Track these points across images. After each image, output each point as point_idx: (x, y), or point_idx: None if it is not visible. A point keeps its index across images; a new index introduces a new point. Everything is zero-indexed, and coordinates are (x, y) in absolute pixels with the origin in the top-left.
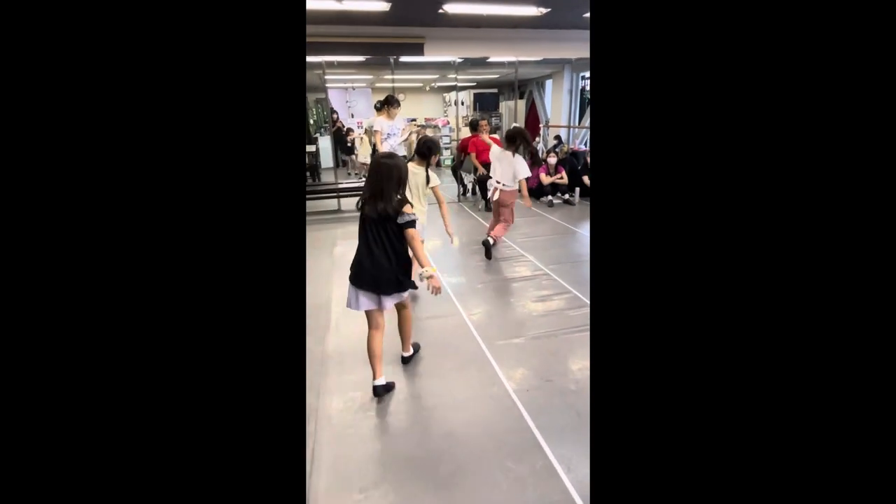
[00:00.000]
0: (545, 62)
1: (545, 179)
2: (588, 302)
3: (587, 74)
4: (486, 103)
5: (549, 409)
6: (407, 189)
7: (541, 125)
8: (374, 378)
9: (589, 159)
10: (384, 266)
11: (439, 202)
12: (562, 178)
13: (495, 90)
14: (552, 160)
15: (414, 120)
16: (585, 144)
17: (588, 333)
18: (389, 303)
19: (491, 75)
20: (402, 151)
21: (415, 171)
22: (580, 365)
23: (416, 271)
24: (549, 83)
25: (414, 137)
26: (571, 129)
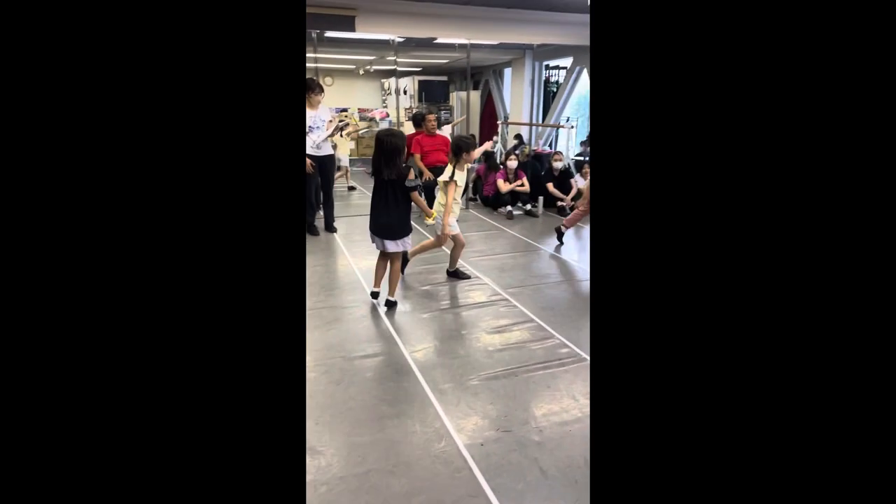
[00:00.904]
0: (503, 47)
1: (503, 187)
2: (554, 333)
3: (551, 63)
4: (433, 93)
5: (507, 468)
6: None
7: (498, 122)
8: (373, 286)
9: (555, 164)
10: (387, 219)
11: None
12: (522, 185)
13: (444, 78)
14: (512, 164)
15: (345, 110)
16: (550, 146)
17: (554, 371)
18: (390, 247)
19: (439, 60)
20: (327, 148)
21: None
22: (545, 410)
23: (444, 218)
24: (507, 72)
25: (350, 132)
26: (534, 128)
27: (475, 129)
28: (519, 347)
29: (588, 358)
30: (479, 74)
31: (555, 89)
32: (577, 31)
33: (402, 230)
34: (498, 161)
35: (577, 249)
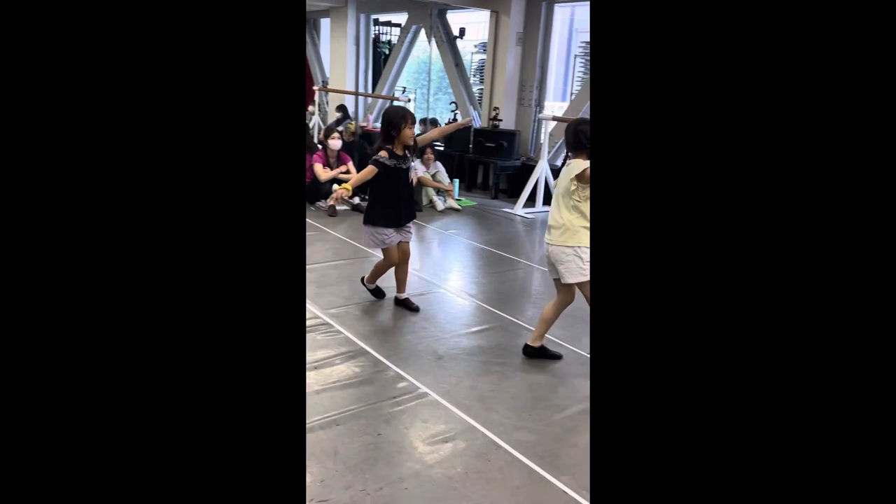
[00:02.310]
0: None
1: (322, 174)
2: (389, 364)
3: (381, 18)
4: None
5: None
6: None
7: (315, 88)
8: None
9: None
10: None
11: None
12: (348, 171)
13: None
14: (334, 144)
15: None
16: None
17: (388, 414)
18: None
19: None
20: None
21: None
22: (374, 466)
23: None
24: (325, 24)
25: None
26: (361, 99)
27: None
28: (343, 386)
29: (429, 392)
30: None
31: (387, 51)
32: None
33: (367, 216)
34: (315, 140)
35: (417, 256)
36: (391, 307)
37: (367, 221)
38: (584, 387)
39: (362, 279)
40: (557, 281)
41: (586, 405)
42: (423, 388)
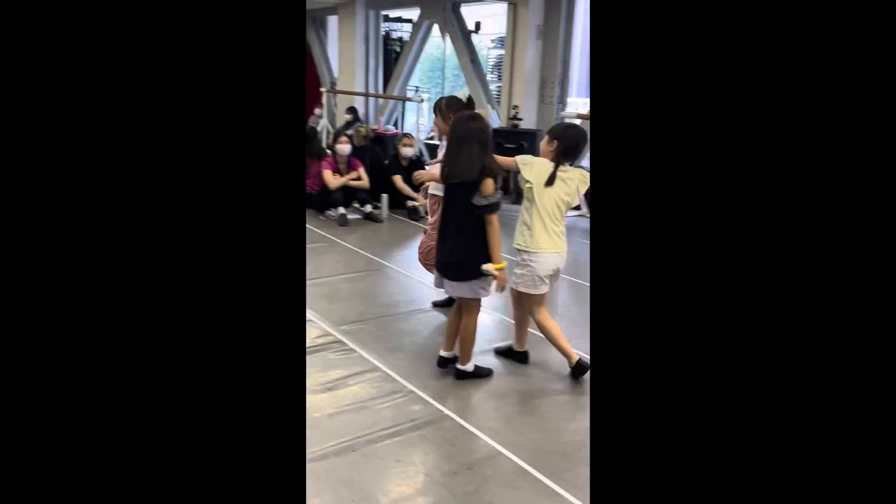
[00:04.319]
0: None
1: (332, 181)
2: (405, 384)
3: (392, 14)
4: None
5: None
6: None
7: (322, 90)
8: (442, 348)
9: (403, 150)
10: (448, 247)
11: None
12: (359, 178)
13: None
14: (343, 148)
15: None
16: (396, 124)
17: (406, 438)
18: (450, 290)
19: None
20: None
21: (546, 170)
22: (394, 495)
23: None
24: (332, 22)
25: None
26: (373, 100)
27: None
28: (358, 409)
29: (450, 414)
30: None
31: (398, 48)
32: None
33: (471, 267)
34: (324, 145)
35: None
36: (409, 321)
37: (478, 273)
38: None
39: (457, 371)
40: (530, 296)
41: None
42: (444, 411)
